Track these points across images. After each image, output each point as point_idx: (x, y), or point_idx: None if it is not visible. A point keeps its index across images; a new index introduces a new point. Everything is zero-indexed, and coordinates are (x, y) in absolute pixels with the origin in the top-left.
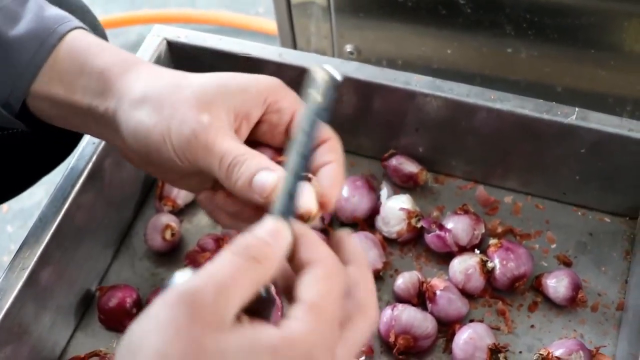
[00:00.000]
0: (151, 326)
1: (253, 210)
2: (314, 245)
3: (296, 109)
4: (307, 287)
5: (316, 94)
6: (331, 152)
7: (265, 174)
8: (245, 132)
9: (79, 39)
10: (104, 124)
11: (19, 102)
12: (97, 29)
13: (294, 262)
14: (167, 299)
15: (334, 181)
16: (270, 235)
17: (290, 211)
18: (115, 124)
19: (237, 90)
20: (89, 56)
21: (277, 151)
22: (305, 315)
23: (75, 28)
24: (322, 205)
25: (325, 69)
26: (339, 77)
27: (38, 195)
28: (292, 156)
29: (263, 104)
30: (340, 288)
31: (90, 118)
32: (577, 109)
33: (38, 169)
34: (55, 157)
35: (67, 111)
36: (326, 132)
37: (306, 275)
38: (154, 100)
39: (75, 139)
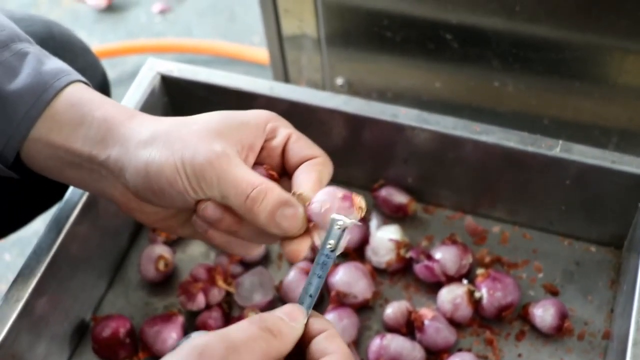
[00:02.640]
0: None
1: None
2: (333, 337)
3: (290, 133)
4: None
5: (332, 243)
6: (316, 165)
7: (288, 211)
8: (251, 161)
9: (80, 91)
10: (102, 173)
11: (12, 155)
12: (97, 69)
13: (312, 351)
14: (179, 351)
15: (311, 187)
16: (286, 315)
17: (309, 309)
18: (116, 171)
19: (239, 124)
20: (90, 107)
21: (270, 167)
22: None
23: (74, 82)
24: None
25: (342, 222)
26: (349, 222)
27: (36, 224)
28: (306, 297)
29: (263, 133)
30: None
31: (86, 169)
32: (560, 141)
33: (31, 209)
34: (48, 199)
35: (64, 162)
36: (318, 151)
37: None
38: (163, 138)
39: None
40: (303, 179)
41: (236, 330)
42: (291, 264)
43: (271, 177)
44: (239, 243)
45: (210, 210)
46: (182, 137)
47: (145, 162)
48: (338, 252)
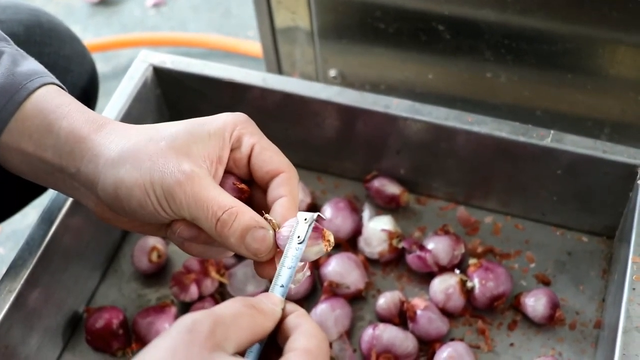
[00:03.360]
0: (152, 351)
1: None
2: (304, 315)
3: (254, 143)
4: (299, 339)
5: (300, 238)
6: (284, 186)
7: (257, 234)
8: (220, 174)
9: (49, 97)
10: (75, 185)
11: None
12: (85, 57)
13: (284, 328)
14: (169, 331)
15: (286, 213)
16: (266, 298)
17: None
18: (88, 185)
19: (206, 136)
20: (57, 115)
21: (238, 178)
22: (299, 357)
23: (46, 84)
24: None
25: (306, 217)
26: (315, 215)
27: (30, 217)
28: (276, 286)
29: (229, 143)
30: (327, 344)
31: (59, 178)
32: (552, 131)
33: (26, 194)
34: (36, 187)
35: (38, 169)
36: (282, 165)
37: (296, 332)
38: (131, 158)
39: None
40: (277, 205)
41: (222, 307)
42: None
43: (241, 192)
44: (215, 250)
45: (184, 231)
46: (150, 157)
47: (114, 183)
48: (315, 246)
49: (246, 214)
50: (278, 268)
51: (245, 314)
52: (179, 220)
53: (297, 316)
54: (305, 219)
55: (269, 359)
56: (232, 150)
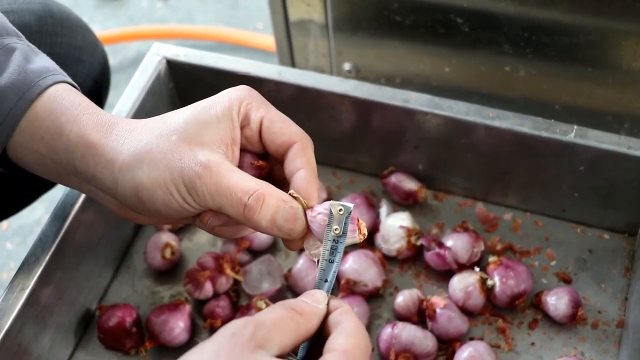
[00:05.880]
0: (197, 354)
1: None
2: (347, 312)
3: (262, 117)
4: (337, 338)
5: (338, 230)
6: (299, 157)
7: (288, 214)
8: (237, 154)
9: (59, 97)
10: (93, 189)
11: None
12: (96, 47)
13: (328, 325)
14: (212, 338)
15: (307, 186)
16: (307, 297)
17: (328, 293)
18: (106, 190)
19: (215, 120)
20: (67, 118)
21: (255, 154)
22: (336, 359)
23: (57, 82)
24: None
25: (341, 206)
26: (351, 207)
27: (38, 211)
28: (322, 282)
29: (238, 122)
30: (366, 343)
31: (76, 181)
32: (575, 126)
33: (36, 188)
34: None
35: (52, 170)
36: (293, 135)
37: (335, 331)
38: (146, 158)
39: None
40: (297, 179)
41: (263, 312)
42: (300, 251)
43: (260, 169)
44: (247, 228)
45: (215, 221)
46: (165, 154)
47: (134, 187)
48: (350, 239)
49: (273, 195)
50: (320, 263)
51: (286, 317)
52: (207, 212)
53: (339, 313)
54: (341, 210)
55: (317, 355)
56: (242, 128)
